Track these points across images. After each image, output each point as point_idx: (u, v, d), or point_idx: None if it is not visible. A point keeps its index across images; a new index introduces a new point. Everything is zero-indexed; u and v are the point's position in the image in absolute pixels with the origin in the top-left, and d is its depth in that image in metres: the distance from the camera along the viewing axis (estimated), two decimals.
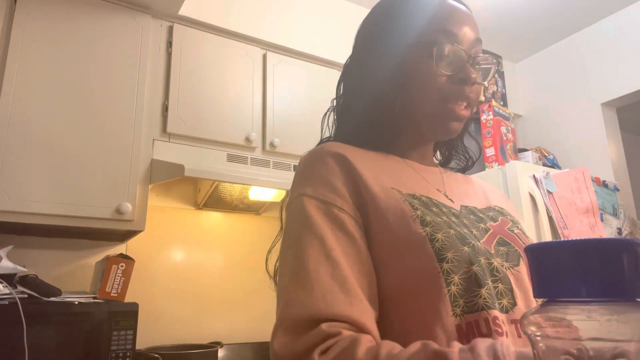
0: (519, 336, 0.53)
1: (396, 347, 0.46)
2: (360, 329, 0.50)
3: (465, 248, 0.56)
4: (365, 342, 0.47)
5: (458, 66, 0.65)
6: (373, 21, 0.74)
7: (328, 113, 0.77)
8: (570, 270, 0.28)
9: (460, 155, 0.81)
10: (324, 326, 0.48)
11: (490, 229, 0.63)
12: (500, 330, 0.52)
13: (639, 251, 0.28)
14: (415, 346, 0.45)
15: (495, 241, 0.61)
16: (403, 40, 0.68)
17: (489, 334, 0.51)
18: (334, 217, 0.57)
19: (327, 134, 0.77)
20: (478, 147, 0.83)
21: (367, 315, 0.51)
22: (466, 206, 0.67)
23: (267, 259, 0.72)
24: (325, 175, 0.61)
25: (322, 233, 0.55)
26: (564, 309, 0.28)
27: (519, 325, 0.54)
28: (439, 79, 0.65)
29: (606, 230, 2.12)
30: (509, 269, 0.58)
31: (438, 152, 0.82)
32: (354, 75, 0.73)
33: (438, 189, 0.67)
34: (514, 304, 0.56)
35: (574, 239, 0.29)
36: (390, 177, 0.64)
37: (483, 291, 0.54)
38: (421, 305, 0.54)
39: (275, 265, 0.68)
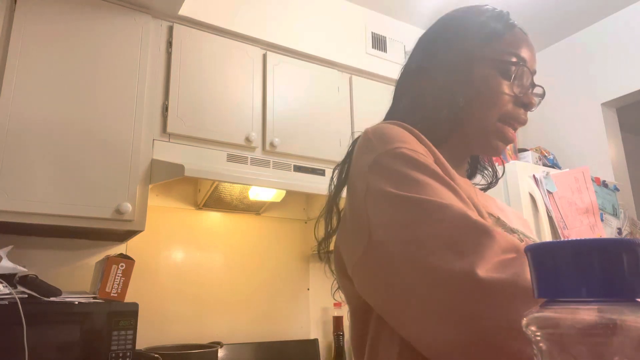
0: None
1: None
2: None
3: None
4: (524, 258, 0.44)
5: (524, 90, 0.69)
6: (445, 29, 0.75)
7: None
8: (570, 270, 0.28)
9: (485, 172, 0.83)
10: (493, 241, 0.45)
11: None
12: None
13: (639, 251, 0.28)
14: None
15: None
16: (472, 53, 0.69)
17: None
18: (446, 182, 0.54)
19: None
20: (503, 167, 0.86)
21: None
22: (498, 218, 0.68)
23: (315, 227, 0.72)
24: (410, 140, 0.57)
25: (443, 180, 0.52)
26: (564, 309, 0.28)
27: None
28: (504, 98, 0.68)
29: (606, 230, 2.12)
30: None
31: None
32: (419, 78, 0.73)
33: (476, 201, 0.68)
34: None
35: (574, 239, 0.29)
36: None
37: None
38: None
39: (321, 231, 0.68)
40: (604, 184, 2.26)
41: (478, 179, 0.84)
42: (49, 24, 1.66)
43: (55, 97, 1.62)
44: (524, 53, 0.69)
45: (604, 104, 2.64)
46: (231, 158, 1.90)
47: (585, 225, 2.04)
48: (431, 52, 0.74)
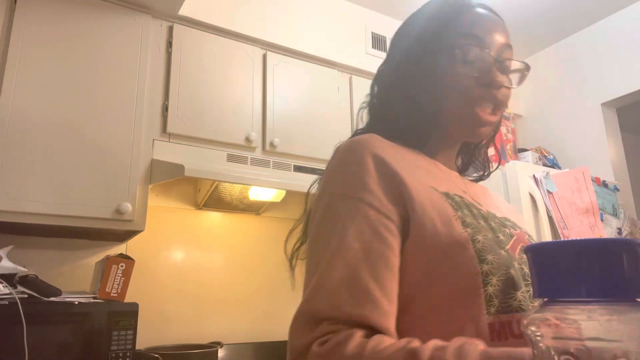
0: None
1: (384, 342, 0.48)
2: (365, 327, 0.51)
3: (502, 252, 0.58)
4: (358, 337, 0.49)
5: (484, 69, 0.67)
6: (405, 28, 0.76)
7: (360, 111, 0.78)
8: (570, 270, 0.28)
9: (479, 164, 0.82)
10: (326, 323, 0.51)
11: (514, 235, 0.63)
12: None
13: (639, 251, 0.28)
14: (401, 343, 0.47)
15: (519, 247, 0.62)
16: (432, 45, 0.69)
17: (521, 335, 0.52)
18: (367, 217, 0.57)
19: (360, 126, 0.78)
20: (498, 163, 0.85)
21: (376, 312, 0.52)
22: (490, 211, 0.67)
23: (286, 241, 0.74)
24: (359, 173, 0.60)
25: (346, 233, 0.56)
26: (564, 309, 0.28)
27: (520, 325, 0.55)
28: (465, 82, 0.67)
29: (606, 230, 2.12)
30: None
31: (459, 159, 0.82)
32: (389, 77, 0.75)
33: (464, 191, 0.68)
34: None
35: (574, 239, 0.29)
36: (426, 175, 0.64)
37: (519, 294, 0.55)
38: (456, 302, 0.55)
39: (293, 247, 0.72)
40: (604, 184, 2.26)
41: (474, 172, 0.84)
42: (49, 24, 1.66)
43: (55, 97, 1.62)
44: (479, 30, 0.68)
45: (604, 104, 2.64)
46: (231, 158, 1.90)
47: (585, 225, 2.04)
48: (393, 54, 0.76)
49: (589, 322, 0.27)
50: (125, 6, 1.80)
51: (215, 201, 2.08)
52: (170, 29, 1.92)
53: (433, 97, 0.69)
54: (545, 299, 0.30)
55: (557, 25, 2.75)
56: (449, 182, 0.67)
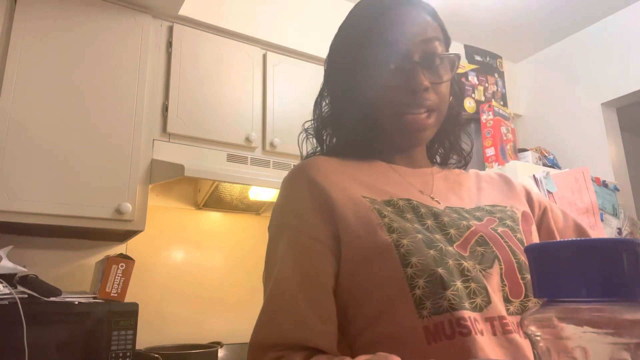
0: (494, 334, 0.54)
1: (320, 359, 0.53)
2: (307, 348, 0.55)
3: (431, 252, 0.57)
4: (299, 358, 0.53)
5: (406, 76, 0.65)
6: (335, 44, 0.77)
7: (303, 128, 0.80)
8: (570, 270, 0.28)
9: (454, 155, 0.81)
10: (273, 351, 0.56)
11: (472, 226, 0.63)
12: (465, 331, 0.52)
13: (639, 251, 0.28)
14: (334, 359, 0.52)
15: (474, 240, 0.61)
16: (355, 61, 0.70)
17: (452, 336, 0.53)
18: (300, 244, 0.61)
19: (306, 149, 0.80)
20: (470, 144, 0.82)
21: (313, 334, 0.55)
22: (451, 207, 0.67)
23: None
24: (298, 206, 0.64)
25: (284, 263, 0.60)
26: (564, 309, 0.28)
27: (495, 322, 0.55)
28: (391, 93, 0.67)
29: (606, 230, 2.12)
30: (480, 271, 0.58)
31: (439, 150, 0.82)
32: (332, 95, 0.76)
33: (421, 191, 0.68)
34: (489, 302, 0.56)
35: (574, 239, 0.29)
36: (365, 186, 0.65)
37: (448, 293, 0.54)
38: (389, 310, 0.56)
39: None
40: (604, 184, 2.26)
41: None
42: (49, 24, 1.66)
43: (55, 97, 1.62)
44: (394, 35, 0.66)
45: (604, 104, 2.64)
46: (231, 158, 1.90)
47: (585, 225, 2.04)
48: (329, 72, 0.77)
49: (589, 322, 0.27)
50: (125, 6, 1.80)
51: (215, 201, 2.08)
52: (170, 29, 1.92)
53: (369, 111, 0.69)
54: (545, 299, 0.30)
55: (557, 25, 2.75)
56: (403, 185, 0.67)
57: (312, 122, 0.79)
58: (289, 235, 0.62)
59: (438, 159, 0.82)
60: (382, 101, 0.68)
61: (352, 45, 0.71)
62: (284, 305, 0.58)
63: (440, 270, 0.55)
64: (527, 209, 0.73)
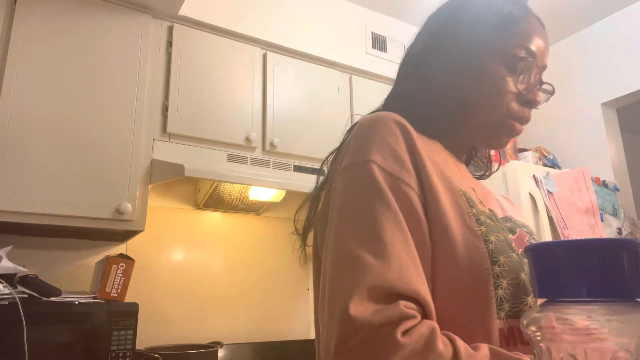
0: None
1: (469, 347, 0.47)
2: (427, 308, 0.49)
3: (514, 255, 0.56)
4: (439, 334, 0.47)
5: (530, 88, 0.66)
6: (457, 10, 0.71)
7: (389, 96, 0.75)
8: (570, 270, 0.28)
9: (479, 162, 0.81)
10: (402, 305, 0.47)
11: (512, 241, 0.61)
12: None
13: (639, 251, 0.28)
14: (485, 351, 0.46)
15: (521, 249, 0.60)
16: (485, 40, 0.66)
17: (529, 342, 0.51)
18: (402, 193, 0.54)
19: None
20: (498, 165, 0.84)
21: (430, 296, 0.50)
22: (492, 210, 0.65)
23: (296, 214, 0.71)
24: (392, 144, 0.57)
25: (395, 207, 0.53)
26: (564, 309, 0.28)
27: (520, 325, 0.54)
28: (510, 95, 0.65)
29: (606, 230, 2.12)
30: None
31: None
32: (426, 60, 0.70)
33: (473, 189, 0.65)
34: None
35: (574, 239, 0.29)
36: (445, 166, 0.62)
37: (529, 299, 0.54)
38: (465, 303, 0.53)
39: (306, 219, 0.68)
40: (604, 184, 2.26)
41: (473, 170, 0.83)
42: (49, 24, 1.66)
43: (55, 97, 1.62)
44: (535, 46, 0.65)
45: (604, 104, 2.64)
46: (231, 158, 1.90)
47: (585, 225, 2.04)
48: (438, 41, 0.70)
49: (589, 322, 0.27)
50: (125, 6, 1.80)
51: (215, 201, 2.08)
52: (170, 29, 1.92)
53: (472, 95, 0.67)
54: (546, 299, 0.30)
55: (557, 25, 2.74)
56: (461, 178, 0.65)
57: (396, 81, 0.73)
58: (386, 179, 0.54)
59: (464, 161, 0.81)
60: (497, 97, 0.65)
61: (490, 25, 0.67)
62: (410, 255, 0.50)
63: (523, 275, 0.55)
64: None
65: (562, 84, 2.84)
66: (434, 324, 0.47)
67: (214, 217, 2.20)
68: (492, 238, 0.55)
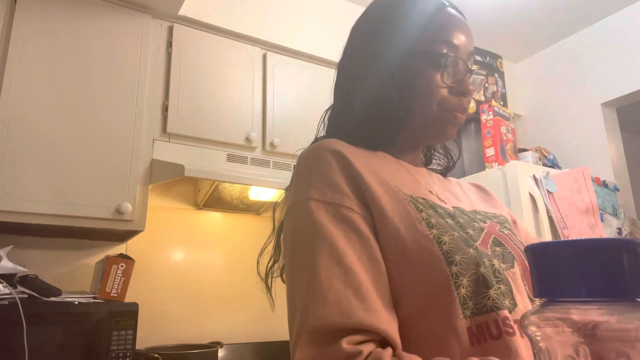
0: (522, 336, 0.53)
1: None
2: (379, 335, 0.49)
3: (471, 250, 0.56)
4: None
5: (459, 79, 0.67)
6: (372, 20, 0.73)
7: (325, 113, 0.76)
8: (570, 270, 0.28)
9: (441, 156, 0.81)
10: (344, 344, 0.46)
11: (484, 229, 0.63)
12: (511, 330, 0.52)
13: (639, 251, 0.28)
14: None
15: (490, 241, 0.61)
16: (405, 44, 0.67)
17: (499, 335, 0.51)
18: (343, 218, 0.55)
19: (322, 133, 0.75)
20: (458, 149, 0.83)
21: (383, 319, 0.50)
22: (457, 207, 0.66)
23: (258, 261, 0.71)
24: (328, 175, 0.58)
25: (332, 238, 0.53)
26: (564, 309, 0.28)
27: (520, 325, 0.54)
28: (441, 90, 0.66)
29: (606, 230, 2.12)
30: (505, 270, 0.58)
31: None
32: (352, 74, 0.72)
33: (430, 191, 0.67)
34: (515, 305, 0.56)
35: (574, 239, 0.29)
36: (390, 176, 0.62)
37: (491, 292, 0.54)
38: (430, 309, 0.53)
39: (267, 267, 0.69)
40: (604, 184, 2.26)
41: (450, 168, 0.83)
42: (49, 24, 1.66)
43: (55, 97, 1.62)
44: (455, 37, 0.67)
45: (604, 104, 2.64)
46: (231, 158, 1.90)
47: (585, 225, 2.04)
48: (362, 55, 0.71)
49: (589, 322, 0.27)
50: (125, 6, 1.80)
51: (215, 201, 2.08)
52: (170, 29, 1.92)
53: (403, 99, 0.67)
54: (545, 299, 0.30)
55: (557, 25, 2.75)
56: (414, 183, 0.65)
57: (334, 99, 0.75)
58: (326, 209, 0.55)
59: (423, 160, 0.81)
60: (429, 95, 0.66)
61: (406, 27, 0.67)
62: (350, 284, 0.50)
63: (482, 269, 0.55)
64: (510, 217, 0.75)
65: (562, 84, 2.84)
66: (381, 354, 0.46)
67: (214, 217, 2.20)
68: (446, 238, 0.55)
